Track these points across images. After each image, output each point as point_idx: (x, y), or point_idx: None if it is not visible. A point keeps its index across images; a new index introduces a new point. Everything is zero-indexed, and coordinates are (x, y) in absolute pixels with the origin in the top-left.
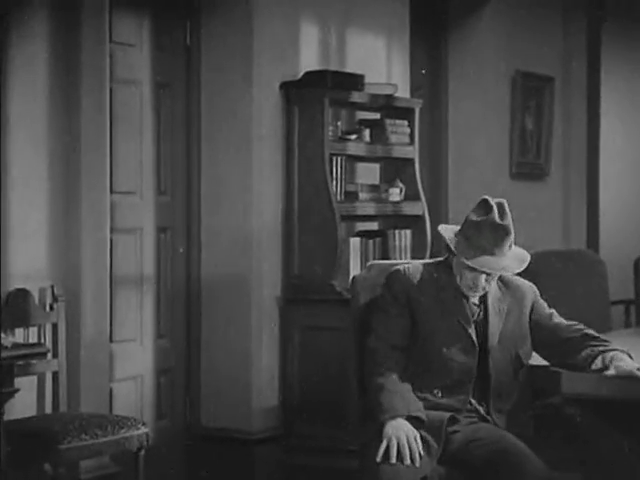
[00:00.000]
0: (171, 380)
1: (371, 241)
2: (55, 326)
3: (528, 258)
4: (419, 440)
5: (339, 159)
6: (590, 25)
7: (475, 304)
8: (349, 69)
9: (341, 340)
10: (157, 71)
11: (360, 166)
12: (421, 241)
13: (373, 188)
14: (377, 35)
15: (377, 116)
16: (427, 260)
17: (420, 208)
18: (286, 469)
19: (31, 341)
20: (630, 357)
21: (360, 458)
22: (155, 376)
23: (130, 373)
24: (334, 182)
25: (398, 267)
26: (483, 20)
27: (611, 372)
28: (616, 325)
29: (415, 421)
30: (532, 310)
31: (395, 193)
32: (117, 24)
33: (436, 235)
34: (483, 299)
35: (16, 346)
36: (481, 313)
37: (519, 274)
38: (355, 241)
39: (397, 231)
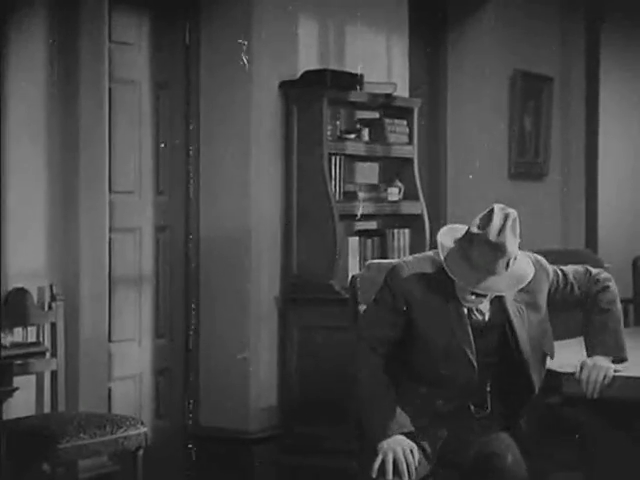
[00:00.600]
0: (170, 380)
1: (370, 240)
2: (54, 325)
3: (527, 278)
4: (416, 453)
5: (338, 158)
6: (589, 25)
7: (480, 312)
8: (348, 68)
9: (340, 340)
10: (156, 71)
11: (359, 165)
12: (420, 241)
13: (372, 187)
14: (376, 34)
15: (376, 115)
16: (434, 256)
17: (419, 207)
18: (285, 469)
19: (30, 340)
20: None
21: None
22: (154, 376)
23: (129, 372)
24: (333, 181)
25: (401, 263)
26: (482, 20)
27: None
28: None
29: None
30: (550, 294)
31: (394, 193)
32: (116, 24)
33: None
34: (498, 302)
35: (15, 345)
36: (488, 320)
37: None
38: (354, 240)
39: (396, 230)
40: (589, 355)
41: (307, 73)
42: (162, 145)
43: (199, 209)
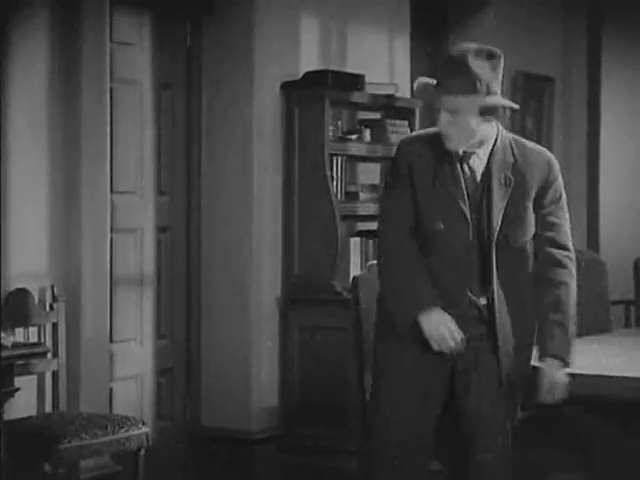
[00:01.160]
0: (171, 380)
1: (371, 241)
2: (55, 326)
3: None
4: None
5: (339, 159)
6: (590, 26)
7: (474, 176)
8: (349, 69)
9: (341, 340)
10: (157, 71)
11: (360, 166)
12: None
13: (373, 188)
14: (378, 35)
15: (378, 116)
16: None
17: None
18: (286, 469)
19: (31, 341)
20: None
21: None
22: (155, 376)
23: (130, 373)
24: (334, 182)
25: (404, 137)
26: (483, 20)
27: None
28: (616, 325)
29: None
30: (537, 194)
31: None
32: (117, 24)
33: None
34: (488, 172)
35: (16, 346)
36: (483, 188)
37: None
38: (355, 241)
39: None
40: (543, 355)
41: (309, 74)
42: (163, 145)
43: (200, 209)
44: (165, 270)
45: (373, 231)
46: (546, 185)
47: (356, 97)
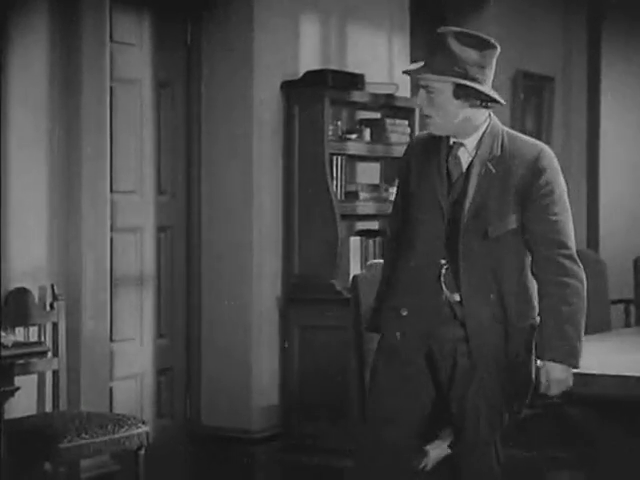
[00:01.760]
0: (171, 379)
1: (371, 240)
2: (55, 325)
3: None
4: None
5: (339, 158)
6: (590, 24)
7: (459, 167)
8: (349, 69)
9: (341, 340)
10: (157, 70)
11: (360, 165)
12: None
13: (373, 187)
14: (378, 34)
15: (377, 115)
16: None
17: None
18: (286, 468)
19: (31, 340)
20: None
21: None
22: (155, 375)
23: (130, 372)
24: (334, 181)
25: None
26: (483, 19)
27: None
28: (616, 325)
29: None
30: (524, 187)
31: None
32: (117, 23)
33: None
34: (472, 163)
35: (16, 345)
36: (465, 178)
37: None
38: (355, 240)
39: None
40: (542, 356)
41: (309, 73)
42: (163, 145)
43: (200, 209)
44: (165, 270)
45: (373, 230)
46: (533, 178)
47: (356, 96)
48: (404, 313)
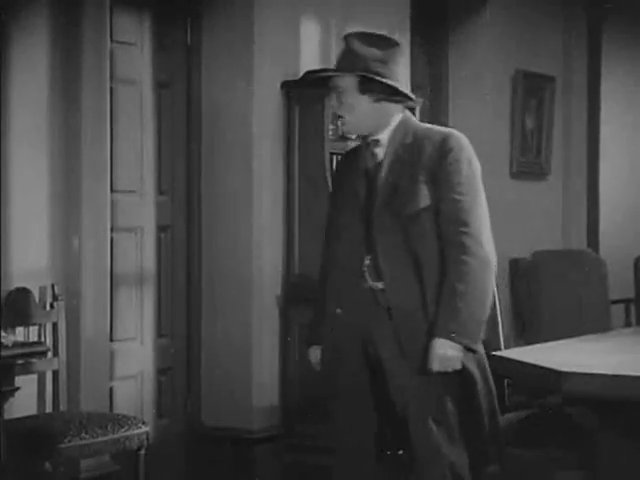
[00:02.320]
0: (171, 379)
1: None
2: (55, 325)
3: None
4: None
5: (339, 158)
6: (591, 24)
7: (375, 159)
8: None
9: None
10: (158, 70)
11: None
12: None
13: None
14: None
15: None
16: None
17: None
18: (286, 468)
19: (31, 340)
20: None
21: None
22: (155, 375)
23: (130, 372)
24: None
25: None
26: (484, 19)
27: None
28: (616, 324)
29: None
30: (430, 164)
31: None
32: (118, 23)
33: None
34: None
35: (16, 345)
36: (379, 168)
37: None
38: None
39: None
40: (431, 331)
41: (309, 73)
42: (163, 145)
43: (200, 208)
44: (165, 269)
45: None
46: (440, 157)
47: None
48: (338, 311)
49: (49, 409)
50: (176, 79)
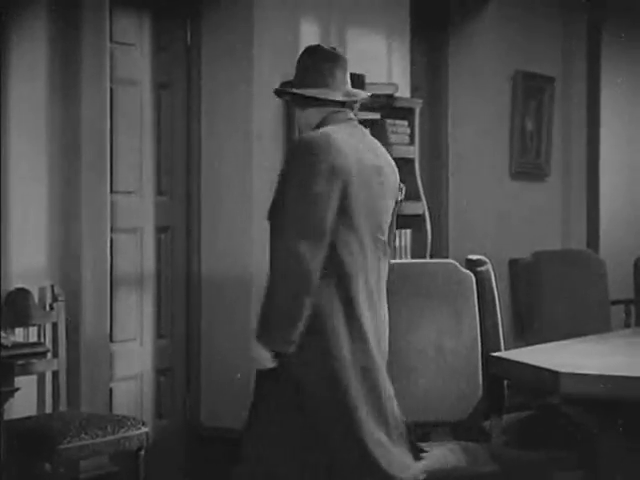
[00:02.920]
0: (171, 379)
1: None
2: (55, 325)
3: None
4: None
5: None
6: (590, 25)
7: None
8: (349, 69)
9: None
10: (157, 71)
11: None
12: (421, 241)
13: None
14: (377, 35)
15: (377, 116)
16: None
17: (420, 208)
18: None
19: (31, 340)
20: None
21: None
22: (155, 375)
23: (130, 372)
24: None
25: None
26: (483, 20)
27: None
28: (616, 325)
29: None
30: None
31: None
32: (117, 24)
33: (436, 235)
34: None
35: (16, 345)
36: None
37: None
38: None
39: (397, 231)
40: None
41: None
42: (163, 145)
43: (200, 209)
44: (165, 270)
45: None
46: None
47: None
48: None
49: (49, 410)
50: (176, 79)
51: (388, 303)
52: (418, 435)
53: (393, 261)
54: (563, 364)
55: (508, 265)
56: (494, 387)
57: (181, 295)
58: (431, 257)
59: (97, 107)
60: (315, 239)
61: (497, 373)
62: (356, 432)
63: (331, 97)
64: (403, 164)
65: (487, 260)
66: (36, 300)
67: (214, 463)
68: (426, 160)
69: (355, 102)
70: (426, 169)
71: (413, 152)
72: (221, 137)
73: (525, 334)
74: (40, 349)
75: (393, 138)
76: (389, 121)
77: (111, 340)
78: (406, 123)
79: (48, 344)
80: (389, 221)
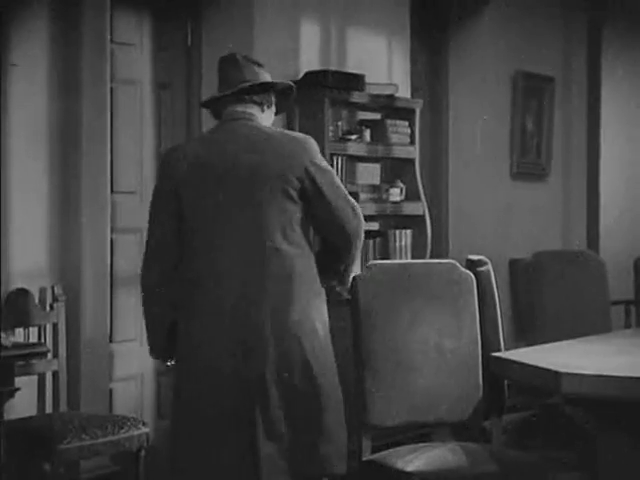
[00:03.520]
0: (171, 380)
1: (371, 241)
2: (55, 326)
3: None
4: None
5: (340, 159)
6: (590, 25)
7: None
8: (350, 69)
9: (340, 340)
10: (157, 71)
11: (361, 166)
12: (421, 241)
13: (373, 188)
14: (378, 35)
15: (378, 116)
16: None
17: (420, 208)
18: None
19: (31, 341)
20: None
21: None
22: (155, 376)
23: (130, 373)
24: None
25: None
26: (484, 20)
27: None
28: (616, 325)
29: None
30: None
31: (395, 193)
32: (118, 24)
33: (437, 235)
34: None
35: (16, 346)
36: None
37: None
38: None
39: (397, 231)
40: None
41: (309, 74)
42: (163, 145)
43: None
44: None
45: (373, 231)
46: None
47: (356, 97)
48: None
49: (49, 410)
50: (176, 79)
51: (388, 303)
52: (418, 435)
53: (393, 261)
54: (563, 364)
55: (508, 265)
56: (494, 387)
57: None
58: (431, 257)
59: (98, 107)
60: (147, 255)
61: (497, 373)
62: None
63: (205, 98)
64: (403, 164)
65: (487, 260)
66: (36, 300)
67: None
68: (426, 160)
69: (244, 92)
70: (426, 169)
71: (413, 152)
72: None
73: (525, 334)
74: (40, 349)
75: (393, 138)
76: (389, 121)
77: (111, 340)
78: (406, 123)
79: (48, 344)
80: (286, 207)
